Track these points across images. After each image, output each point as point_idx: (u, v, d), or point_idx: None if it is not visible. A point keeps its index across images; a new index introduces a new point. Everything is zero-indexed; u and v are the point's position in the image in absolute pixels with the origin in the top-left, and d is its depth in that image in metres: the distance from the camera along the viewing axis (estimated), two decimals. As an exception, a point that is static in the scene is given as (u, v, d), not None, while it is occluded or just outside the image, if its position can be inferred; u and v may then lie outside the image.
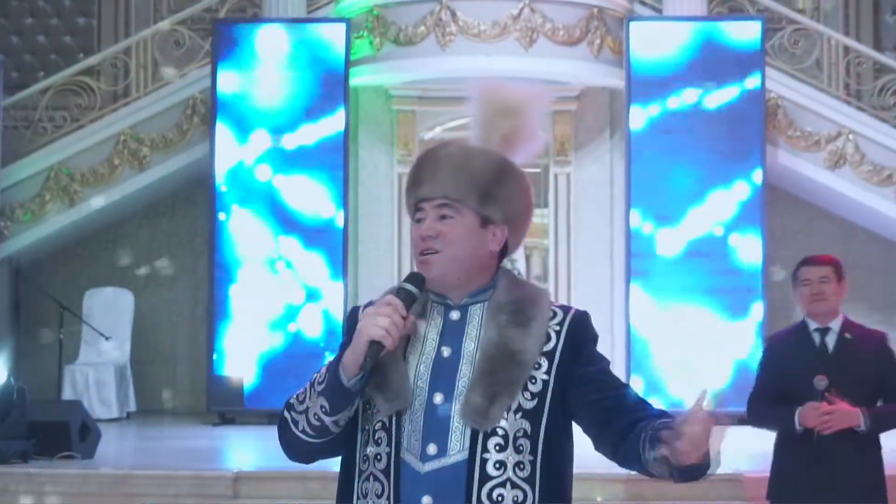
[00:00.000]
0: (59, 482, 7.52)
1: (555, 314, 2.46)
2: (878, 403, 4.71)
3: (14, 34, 13.19)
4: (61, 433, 7.99)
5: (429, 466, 2.37)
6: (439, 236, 2.44)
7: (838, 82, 11.94)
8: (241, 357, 10.82)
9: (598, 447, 2.45)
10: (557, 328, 2.45)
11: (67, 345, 11.47)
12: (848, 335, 4.74)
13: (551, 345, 2.43)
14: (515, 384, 2.38)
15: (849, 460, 4.60)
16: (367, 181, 11.86)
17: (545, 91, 2.62)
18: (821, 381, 4.58)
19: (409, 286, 2.41)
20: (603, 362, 2.48)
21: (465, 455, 2.36)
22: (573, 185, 11.93)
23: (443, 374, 2.42)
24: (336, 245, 10.90)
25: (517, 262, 14.10)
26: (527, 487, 2.37)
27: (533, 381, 2.40)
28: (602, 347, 2.51)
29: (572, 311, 2.49)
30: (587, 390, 2.43)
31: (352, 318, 2.54)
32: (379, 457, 2.41)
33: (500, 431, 2.36)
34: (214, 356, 10.87)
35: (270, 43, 11.07)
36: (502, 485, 2.36)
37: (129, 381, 11.72)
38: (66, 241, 12.10)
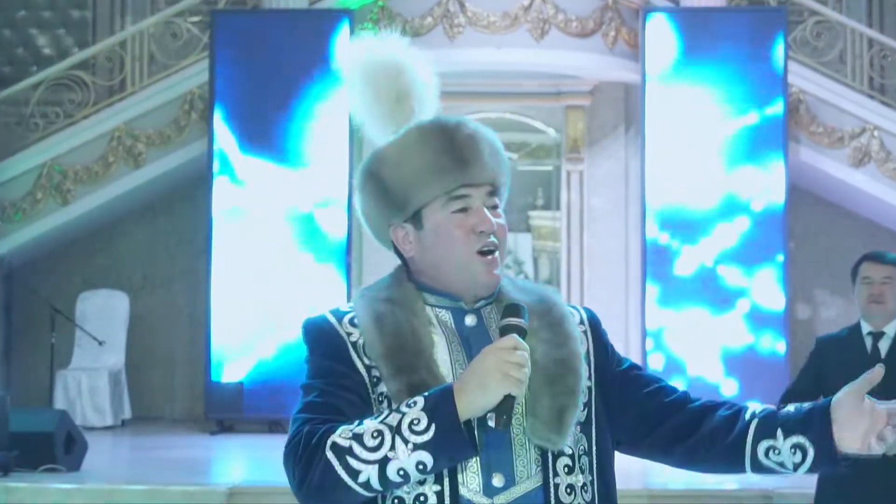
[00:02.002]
0: (41, 496, 7.16)
1: (572, 314, 2.21)
2: None
3: (6, 27, 12.82)
4: (45, 444, 7.60)
5: (499, 500, 2.03)
6: (497, 230, 2.11)
7: (862, 76, 11.54)
8: (241, 362, 10.45)
9: (649, 451, 2.21)
10: (584, 328, 2.21)
11: (60, 349, 11.10)
12: None
13: (584, 347, 2.17)
14: (575, 393, 2.09)
15: None
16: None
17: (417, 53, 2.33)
18: None
19: (520, 322, 2.03)
20: (628, 360, 2.28)
21: (537, 482, 2.04)
22: (586, 184, 11.56)
23: None
24: (339, 244, 10.51)
25: (525, 264, 13.70)
26: None
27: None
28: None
29: (584, 310, 2.27)
30: (632, 390, 2.21)
31: (321, 332, 2.13)
32: (423, 498, 2.02)
33: (567, 450, 2.09)
34: (213, 361, 10.48)
35: (271, 35, 10.69)
36: None
37: (125, 387, 11.34)
38: (59, 241, 11.69)
